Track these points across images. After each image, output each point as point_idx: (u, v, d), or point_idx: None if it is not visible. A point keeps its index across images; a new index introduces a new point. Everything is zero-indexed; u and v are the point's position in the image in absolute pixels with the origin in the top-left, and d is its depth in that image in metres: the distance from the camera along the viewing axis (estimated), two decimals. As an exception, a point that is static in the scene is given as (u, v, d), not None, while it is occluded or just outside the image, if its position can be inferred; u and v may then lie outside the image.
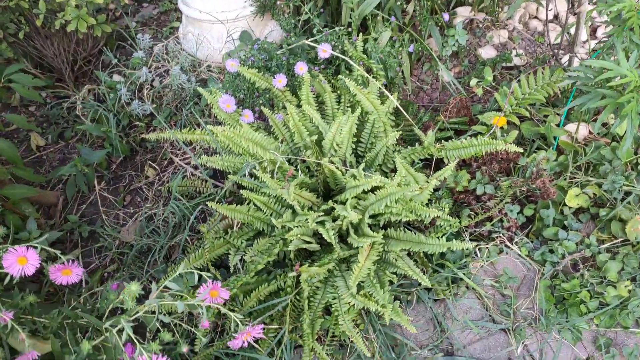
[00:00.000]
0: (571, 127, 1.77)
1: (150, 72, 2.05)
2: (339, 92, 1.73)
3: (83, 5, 1.91)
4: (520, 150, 1.45)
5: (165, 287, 1.01)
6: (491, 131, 1.56)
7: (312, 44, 1.59)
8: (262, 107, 1.54)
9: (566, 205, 1.57)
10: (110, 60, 2.20)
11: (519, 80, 1.76)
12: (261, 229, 1.46)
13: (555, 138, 1.71)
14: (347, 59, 1.57)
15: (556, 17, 2.36)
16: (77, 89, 2.20)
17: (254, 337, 1.10)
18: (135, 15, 2.53)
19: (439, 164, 1.66)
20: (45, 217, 1.78)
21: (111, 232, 1.68)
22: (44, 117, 2.13)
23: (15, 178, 1.72)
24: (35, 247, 0.94)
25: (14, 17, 2.07)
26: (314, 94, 1.66)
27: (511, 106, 1.70)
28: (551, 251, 1.52)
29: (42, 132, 2.08)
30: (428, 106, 2.09)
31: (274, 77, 1.56)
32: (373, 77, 1.68)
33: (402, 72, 2.03)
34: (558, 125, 1.76)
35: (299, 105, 1.68)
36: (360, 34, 1.76)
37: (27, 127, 1.95)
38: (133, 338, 0.87)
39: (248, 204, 1.45)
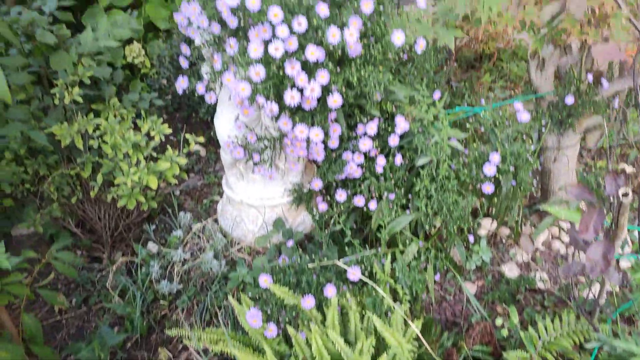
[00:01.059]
0: (598, 376, 1.72)
1: (184, 252, 2.13)
2: (363, 309, 1.75)
3: (137, 186, 2.07)
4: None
5: None
6: (516, 385, 1.53)
7: (343, 265, 1.66)
8: (287, 326, 1.56)
9: None
10: (149, 232, 2.31)
11: (544, 318, 1.77)
12: None
13: (581, 390, 1.65)
14: (375, 285, 1.62)
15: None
16: (112, 252, 2.28)
17: None
18: (180, 184, 2.71)
19: (459, 403, 1.60)
20: (49, 397, 1.73)
21: None
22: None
23: (28, 353, 1.72)
24: None
25: (71, 182, 2.25)
26: (339, 309, 1.69)
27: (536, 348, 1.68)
28: None
29: (67, 293, 2.12)
30: (451, 321, 2.08)
31: (303, 297, 1.60)
32: (398, 302, 1.71)
33: (427, 286, 2.06)
34: (584, 373, 1.71)
35: (323, 321, 1.69)
36: (389, 254, 1.84)
37: (57, 304, 2.00)
38: None
39: None
